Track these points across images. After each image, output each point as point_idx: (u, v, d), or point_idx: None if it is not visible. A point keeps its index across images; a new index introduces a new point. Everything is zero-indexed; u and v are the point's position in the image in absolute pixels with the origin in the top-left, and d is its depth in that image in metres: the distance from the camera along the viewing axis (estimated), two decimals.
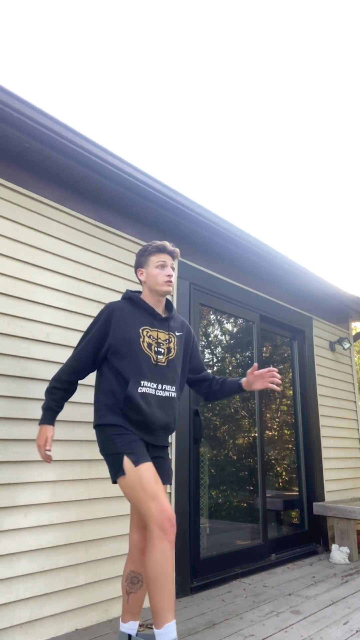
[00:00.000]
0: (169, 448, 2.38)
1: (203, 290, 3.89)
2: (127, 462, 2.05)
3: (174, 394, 2.26)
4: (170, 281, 2.29)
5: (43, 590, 2.46)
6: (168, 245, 2.34)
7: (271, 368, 2.23)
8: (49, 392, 2.28)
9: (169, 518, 1.97)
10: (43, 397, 2.62)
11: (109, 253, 3.18)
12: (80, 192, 3.07)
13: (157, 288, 2.29)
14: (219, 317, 4.26)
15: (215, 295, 4.00)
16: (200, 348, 3.85)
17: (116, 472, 2.09)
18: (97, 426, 2.20)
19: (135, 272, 2.40)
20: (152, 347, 2.24)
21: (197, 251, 3.90)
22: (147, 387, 2.18)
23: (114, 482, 2.12)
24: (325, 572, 3.83)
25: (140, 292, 2.39)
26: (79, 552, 2.65)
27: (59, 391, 2.27)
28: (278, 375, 2.27)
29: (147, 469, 2.06)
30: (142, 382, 2.17)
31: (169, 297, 3.52)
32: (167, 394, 2.24)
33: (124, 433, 2.13)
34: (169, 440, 3.28)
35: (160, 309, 2.35)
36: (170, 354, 2.30)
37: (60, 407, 2.29)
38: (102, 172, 2.94)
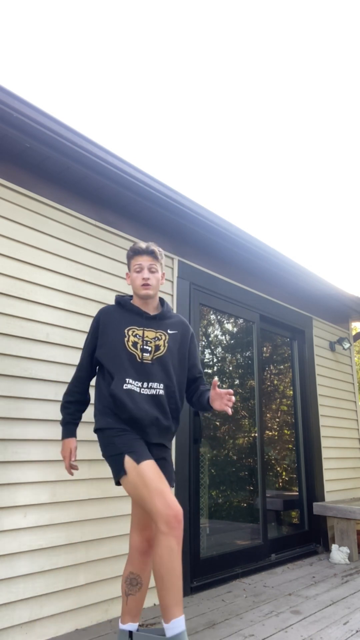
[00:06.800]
0: (171, 448, 2.38)
1: (203, 290, 3.89)
2: (128, 461, 2.06)
3: (161, 391, 2.25)
4: (147, 284, 2.29)
5: (43, 590, 2.46)
6: (144, 246, 2.33)
7: (229, 390, 2.15)
8: (63, 407, 2.35)
9: (175, 514, 1.96)
10: (43, 397, 2.63)
11: (109, 253, 3.18)
12: (80, 192, 3.07)
13: (136, 292, 2.34)
14: (219, 317, 4.26)
15: (215, 295, 4.00)
16: (200, 349, 3.84)
17: (118, 472, 2.08)
18: (96, 430, 2.23)
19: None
20: (138, 345, 2.25)
21: (197, 251, 3.90)
22: (131, 384, 2.18)
23: (117, 483, 2.11)
24: (325, 572, 3.83)
25: (132, 296, 2.43)
26: (79, 552, 2.65)
27: (72, 404, 2.34)
28: (233, 399, 2.15)
29: (150, 466, 2.05)
30: (126, 380, 2.18)
31: (166, 296, 3.52)
32: (153, 391, 2.23)
33: (123, 433, 2.13)
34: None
35: (149, 308, 2.36)
36: (159, 352, 2.28)
37: (78, 419, 2.36)
38: (102, 172, 2.94)
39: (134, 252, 2.33)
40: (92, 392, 2.62)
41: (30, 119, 2.53)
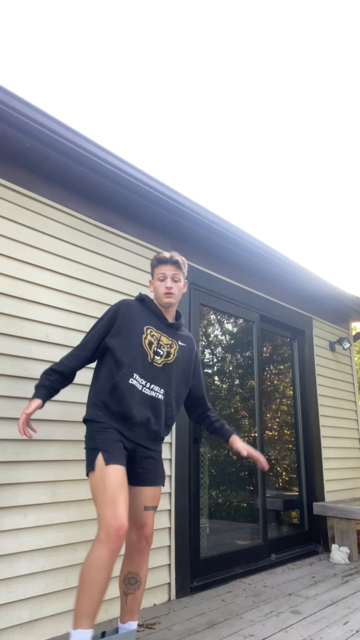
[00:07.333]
0: (161, 450, 2.37)
1: (203, 290, 3.89)
2: (99, 459, 2.07)
3: (161, 396, 2.26)
4: (170, 293, 2.33)
5: (43, 590, 2.46)
6: (168, 255, 2.38)
7: (263, 462, 2.46)
8: (45, 373, 2.24)
9: (118, 528, 1.93)
10: None
11: (109, 253, 3.18)
12: (80, 192, 3.07)
13: (158, 300, 2.38)
14: (219, 317, 4.26)
15: (215, 295, 4.00)
16: (200, 349, 3.84)
17: (88, 466, 2.12)
18: (84, 421, 2.25)
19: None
20: (152, 346, 2.28)
21: (197, 251, 3.90)
22: (136, 381, 2.20)
23: (87, 475, 2.13)
24: (325, 572, 3.83)
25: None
26: (79, 552, 2.65)
27: (56, 373, 2.24)
28: (266, 465, 2.48)
29: (116, 471, 2.04)
30: (134, 375, 2.20)
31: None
32: (153, 394, 2.24)
33: (107, 430, 2.14)
34: (169, 441, 3.29)
35: (168, 316, 2.40)
36: (169, 358, 2.32)
37: (54, 390, 2.23)
38: (102, 172, 2.94)
39: (158, 261, 2.38)
40: (83, 390, 2.62)
41: (30, 119, 2.53)
